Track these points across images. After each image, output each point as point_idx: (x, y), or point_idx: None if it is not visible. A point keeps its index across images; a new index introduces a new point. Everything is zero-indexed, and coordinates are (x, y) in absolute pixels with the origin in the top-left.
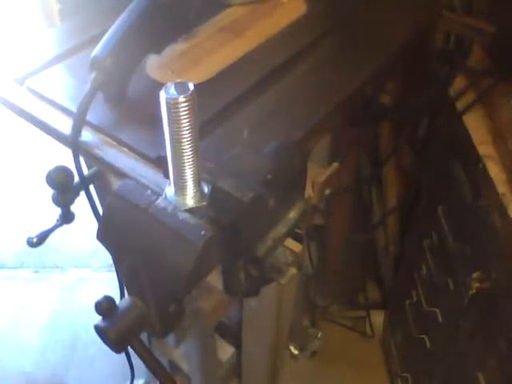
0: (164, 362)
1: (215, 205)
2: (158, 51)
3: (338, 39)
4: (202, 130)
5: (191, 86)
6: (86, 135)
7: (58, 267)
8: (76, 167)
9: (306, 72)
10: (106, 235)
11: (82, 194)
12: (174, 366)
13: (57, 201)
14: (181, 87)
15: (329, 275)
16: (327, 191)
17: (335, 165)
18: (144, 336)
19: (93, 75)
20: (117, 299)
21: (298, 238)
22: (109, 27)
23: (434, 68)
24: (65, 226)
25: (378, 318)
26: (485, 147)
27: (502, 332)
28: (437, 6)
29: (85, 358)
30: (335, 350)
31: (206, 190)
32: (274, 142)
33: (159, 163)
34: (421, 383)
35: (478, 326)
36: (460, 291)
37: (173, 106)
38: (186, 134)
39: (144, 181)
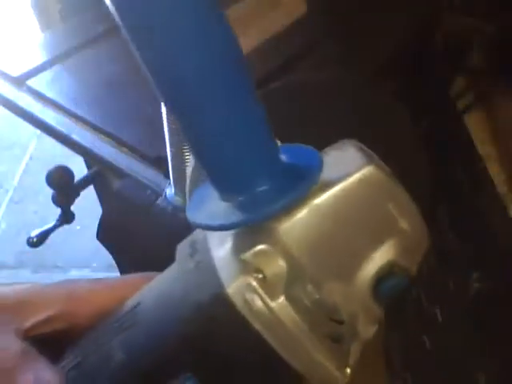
0: None
1: None
2: None
3: (338, 39)
4: None
5: None
6: (86, 135)
7: (57, 267)
8: None
9: (306, 72)
10: (106, 235)
11: (82, 193)
12: None
13: (57, 201)
14: None
15: None
16: None
17: None
18: None
19: None
20: None
21: None
22: (108, 27)
23: (434, 68)
24: (65, 226)
25: None
26: (485, 147)
27: (501, 332)
28: (437, 6)
29: None
30: None
31: None
32: None
33: (159, 163)
34: (421, 383)
35: (478, 326)
36: (460, 291)
37: None
38: None
39: (144, 181)
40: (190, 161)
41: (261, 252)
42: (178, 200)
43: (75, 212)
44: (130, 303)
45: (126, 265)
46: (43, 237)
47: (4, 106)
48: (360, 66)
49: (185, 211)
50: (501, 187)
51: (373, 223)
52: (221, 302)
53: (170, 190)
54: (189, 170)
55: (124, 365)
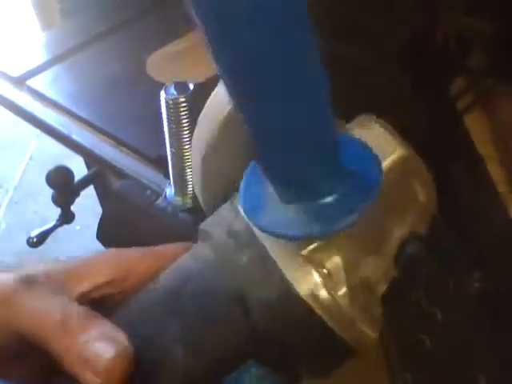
0: None
1: None
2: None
3: (338, 39)
4: None
5: (191, 86)
6: (86, 135)
7: None
8: None
9: None
10: (106, 235)
11: (82, 193)
12: None
13: (57, 201)
14: (181, 87)
15: None
16: None
17: None
18: None
19: None
20: None
21: None
22: (108, 27)
23: (434, 68)
24: (65, 226)
25: None
26: (485, 147)
27: (502, 332)
28: (437, 5)
29: None
30: None
31: None
32: None
33: (159, 163)
34: (421, 383)
35: (478, 326)
36: (460, 291)
37: (173, 105)
38: (186, 134)
39: (144, 181)
40: (190, 161)
41: (319, 247)
42: (177, 200)
43: (75, 212)
44: (168, 279)
45: None
46: (43, 237)
47: (4, 105)
48: (360, 66)
49: (184, 211)
50: (501, 187)
51: (400, 199)
52: (291, 299)
53: (169, 190)
54: (189, 170)
55: (187, 355)
